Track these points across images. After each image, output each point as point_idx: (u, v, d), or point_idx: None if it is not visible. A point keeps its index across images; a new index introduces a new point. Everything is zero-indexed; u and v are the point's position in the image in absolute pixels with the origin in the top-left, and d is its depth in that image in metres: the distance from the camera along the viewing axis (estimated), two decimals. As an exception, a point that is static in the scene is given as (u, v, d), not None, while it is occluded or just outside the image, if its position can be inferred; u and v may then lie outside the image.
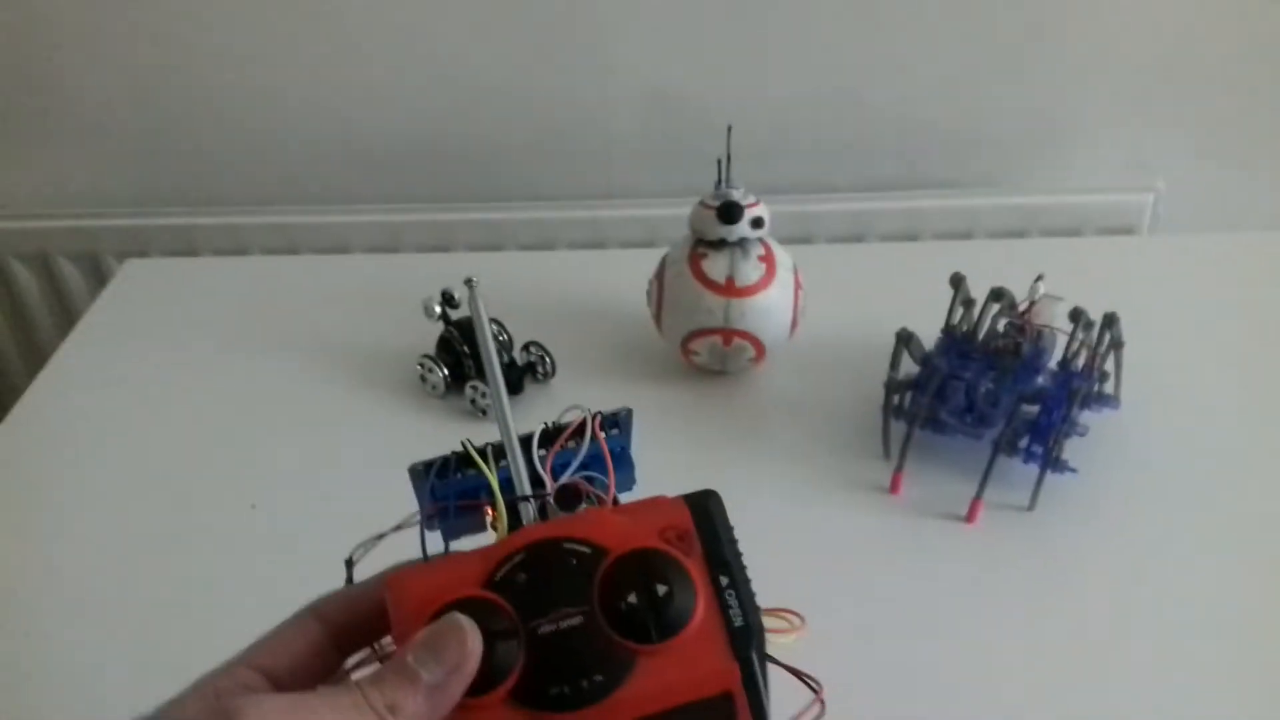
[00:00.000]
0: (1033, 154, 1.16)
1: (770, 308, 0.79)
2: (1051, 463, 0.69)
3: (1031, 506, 0.70)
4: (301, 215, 1.20)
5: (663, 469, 0.76)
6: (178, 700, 0.33)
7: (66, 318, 1.26)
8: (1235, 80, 1.11)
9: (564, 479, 0.40)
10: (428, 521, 0.41)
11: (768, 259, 0.79)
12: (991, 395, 0.71)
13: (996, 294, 0.76)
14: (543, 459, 0.41)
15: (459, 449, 0.42)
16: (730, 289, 0.78)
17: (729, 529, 0.37)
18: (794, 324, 0.82)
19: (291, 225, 1.20)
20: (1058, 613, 0.64)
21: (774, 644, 0.36)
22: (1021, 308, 0.77)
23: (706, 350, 0.81)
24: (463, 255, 1.16)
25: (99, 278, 1.24)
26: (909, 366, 0.75)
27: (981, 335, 0.76)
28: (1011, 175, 1.16)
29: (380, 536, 0.41)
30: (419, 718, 0.32)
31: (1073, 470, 0.69)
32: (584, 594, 0.35)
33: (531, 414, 0.80)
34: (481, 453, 0.41)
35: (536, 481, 0.40)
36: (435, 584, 0.35)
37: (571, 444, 0.42)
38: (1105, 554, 0.68)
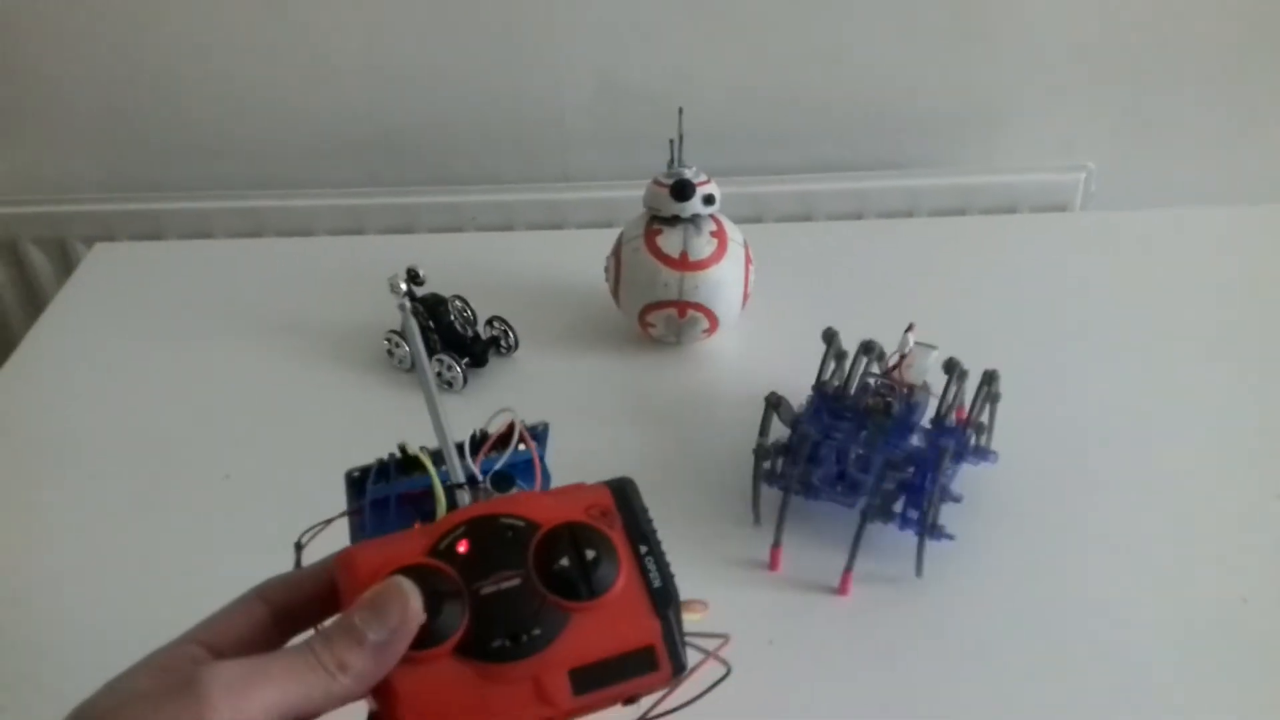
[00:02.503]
0: (970, 136, 1.19)
1: (722, 281, 0.83)
2: (928, 529, 0.65)
3: (919, 573, 0.66)
4: (267, 199, 1.21)
5: (623, 433, 0.80)
6: (125, 676, 0.35)
7: (34, 303, 1.27)
8: (1159, 64, 1.16)
9: (495, 469, 0.45)
10: (362, 520, 0.46)
11: (719, 234, 0.83)
12: (862, 460, 0.68)
13: (866, 347, 0.73)
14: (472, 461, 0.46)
15: (394, 453, 0.47)
16: (684, 263, 0.82)
17: (645, 509, 0.41)
18: (745, 296, 0.85)
19: (257, 209, 1.21)
20: (941, 684, 0.62)
21: (690, 623, 0.40)
22: (893, 360, 0.73)
23: (662, 322, 0.84)
24: (425, 236, 1.18)
25: (67, 263, 1.25)
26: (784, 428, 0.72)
27: (854, 390, 0.73)
28: (950, 157, 1.19)
29: (328, 521, 0.46)
30: (366, 675, 0.35)
31: (949, 537, 0.66)
32: (521, 559, 0.38)
33: (496, 384, 0.85)
34: (417, 459, 0.45)
35: (471, 481, 0.45)
36: (382, 556, 0.38)
37: (493, 454, 0.47)
38: (989, 622, 0.65)
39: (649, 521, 0.41)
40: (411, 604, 0.36)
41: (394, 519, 0.47)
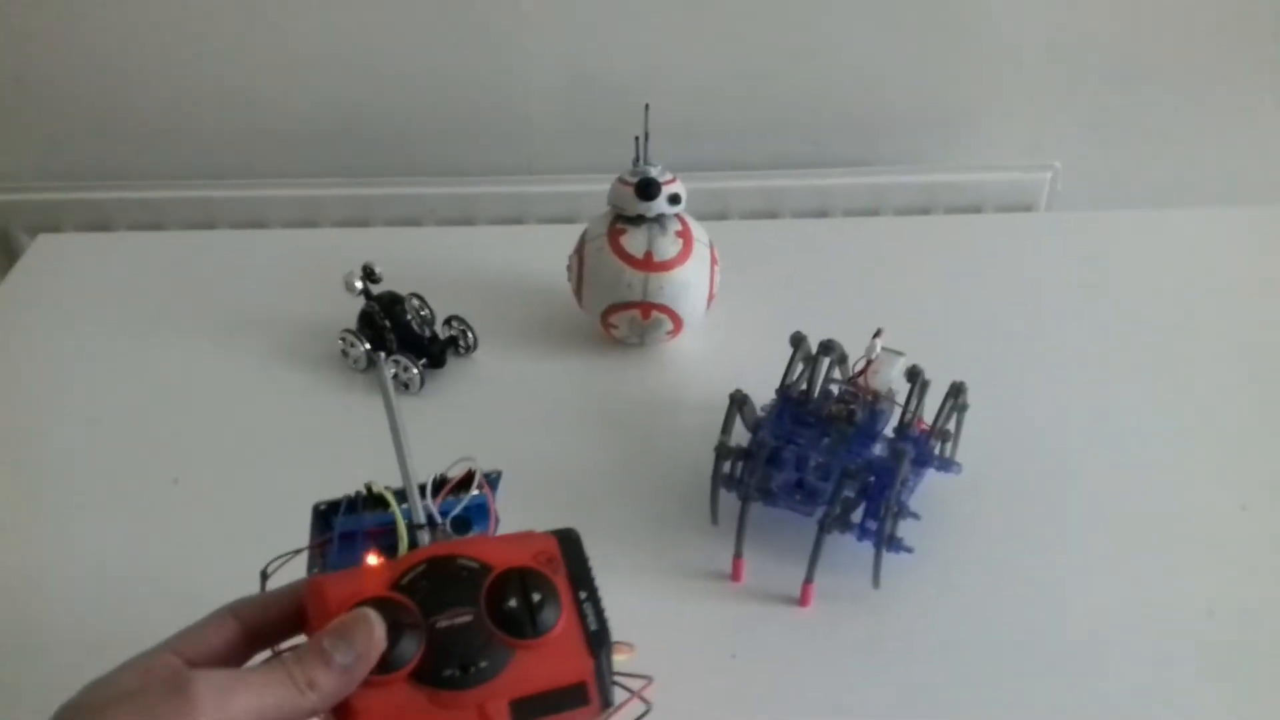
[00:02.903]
0: (936, 135, 1.19)
1: (687, 282, 0.81)
2: (885, 541, 0.63)
3: (876, 585, 0.65)
4: (219, 189, 1.18)
5: (584, 436, 0.79)
6: (109, 677, 0.38)
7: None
8: (1126, 65, 1.15)
9: (454, 513, 0.50)
10: (326, 550, 0.50)
11: (685, 234, 0.81)
12: (822, 469, 0.67)
13: (825, 347, 0.71)
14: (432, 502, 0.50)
15: (360, 490, 0.51)
16: (649, 264, 0.80)
17: (585, 558, 0.46)
18: (710, 297, 0.84)
19: (209, 199, 1.18)
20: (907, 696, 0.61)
21: (617, 663, 0.45)
22: (859, 366, 0.72)
23: (625, 323, 0.83)
24: (383, 230, 1.16)
25: (10, 254, 1.21)
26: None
27: (818, 395, 0.71)
28: (916, 155, 1.19)
29: (297, 552, 0.50)
30: (331, 693, 0.38)
31: (907, 549, 0.64)
32: (474, 598, 0.42)
33: (454, 385, 0.83)
34: (382, 497, 0.50)
35: (430, 522, 0.49)
36: (349, 587, 0.42)
37: (451, 496, 0.51)
38: (951, 635, 0.64)
39: (589, 569, 0.45)
40: (376, 633, 0.39)
41: (358, 552, 0.50)
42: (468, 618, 0.42)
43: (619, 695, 0.45)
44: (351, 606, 0.41)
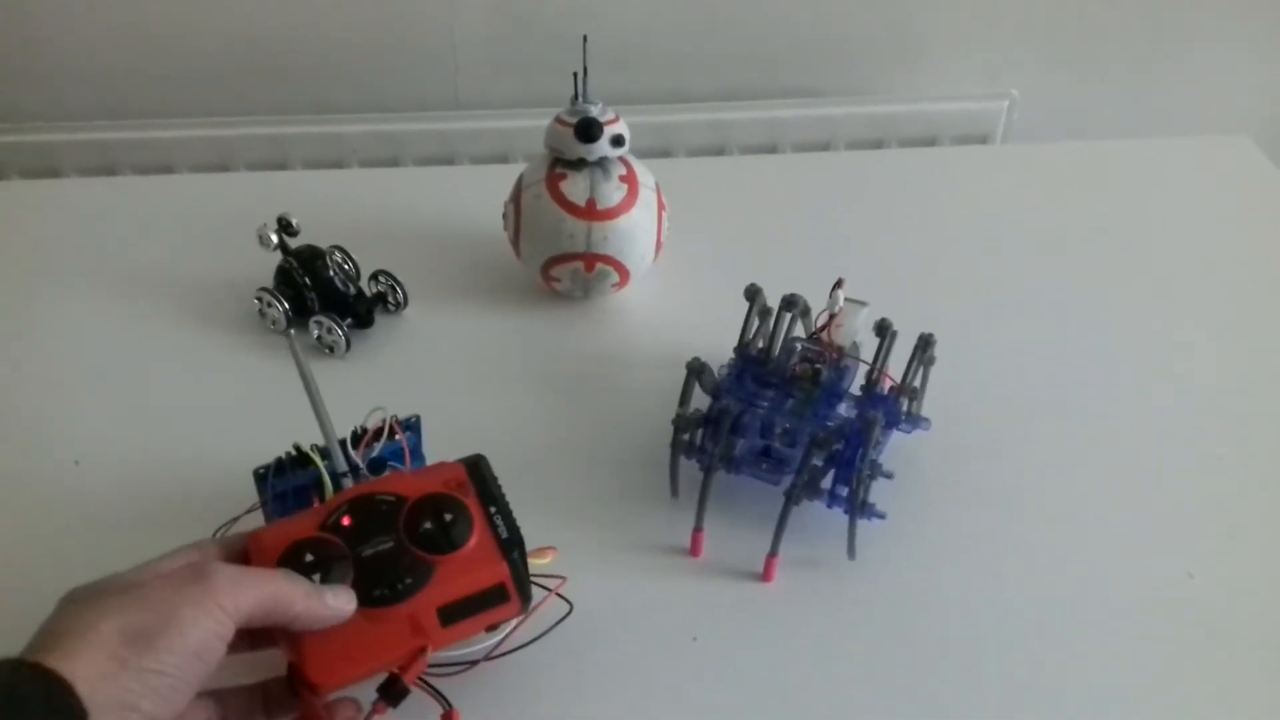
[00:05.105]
0: (890, 62, 1.15)
1: (634, 230, 0.76)
2: (858, 508, 0.60)
3: (851, 556, 0.62)
4: (119, 131, 1.11)
5: (525, 398, 0.75)
6: (133, 570, 0.46)
7: None
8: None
9: (372, 456, 0.57)
10: (268, 510, 0.57)
11: (629, 178, 0.76)
12: (789, 435, 0.64)
13: (788, 303, 0.68)
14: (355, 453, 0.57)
15: (290, 451, 0.56)
16: (592, 212, 0.75)
17: (495, 478, 0.52)
18: (658, 246, 0.79)
19: (108, 142, 1.11)
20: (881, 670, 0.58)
21: (541, 565, 0.55)
22: (821, 321, 0.68)
23: (568, 276, 0.78)
24: (301, 174, 1.10)
25: (-113, 203, 1.12)
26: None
27: (778, 351, 0.68)
28: (868, 85, 1.15)
29: (234, 520, 0.56)
30: (314, 620, 0.46)
31: (880, 516, 0.61)
32: (393, 526, 0.50)
33: (383, 347, 0.79)
34: (309, 454, 0.56)
35: (353, 469, 0.56)
36: (283, 533, 0.49)
37: (374, 445, 0.57)
38: (924, 605, 0.61)
39: (499, 486, 0.52)
40: (352, 605, 0.47)
41: (293, 506, 0.56)
42: (389, 544, 0.49)
43: (541, 598, 0.53)
44: (285, 548, 0.48)
